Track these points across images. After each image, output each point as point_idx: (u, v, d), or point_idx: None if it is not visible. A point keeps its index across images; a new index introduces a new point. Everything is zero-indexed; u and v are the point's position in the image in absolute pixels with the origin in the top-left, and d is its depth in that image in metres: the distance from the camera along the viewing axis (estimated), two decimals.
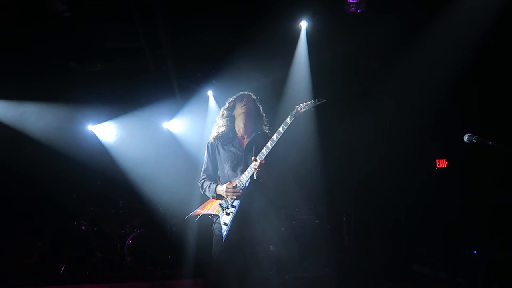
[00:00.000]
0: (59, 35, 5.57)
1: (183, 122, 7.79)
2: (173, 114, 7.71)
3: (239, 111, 3.44)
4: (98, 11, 5.10)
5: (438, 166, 6.20)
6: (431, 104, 5.71)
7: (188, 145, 7.64)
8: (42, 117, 7.16)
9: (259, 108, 3.52)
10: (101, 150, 7.72)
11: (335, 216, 6.49)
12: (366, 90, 6.50)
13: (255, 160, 3.11)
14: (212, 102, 7.28)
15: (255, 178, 3.15)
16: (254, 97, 3.52)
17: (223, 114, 3.51)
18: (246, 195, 3.18)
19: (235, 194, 3.18)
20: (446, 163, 6.17)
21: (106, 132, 7.84)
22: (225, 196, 3.24)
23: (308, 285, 5.18)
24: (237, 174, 3.30)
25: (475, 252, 5.04)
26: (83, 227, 6.45)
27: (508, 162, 4.54)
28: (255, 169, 3.09)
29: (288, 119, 3.09)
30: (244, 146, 3.41)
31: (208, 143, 3.54)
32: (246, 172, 3.20)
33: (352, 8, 4.80)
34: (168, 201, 6.78)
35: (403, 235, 6.12)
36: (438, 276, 5.25)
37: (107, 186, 6.98)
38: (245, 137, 3.46)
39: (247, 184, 3.18)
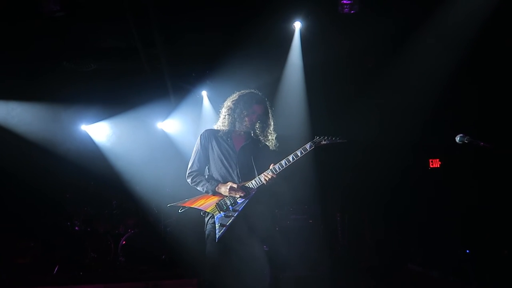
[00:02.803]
0: (52, 34, 5.54)
1: (177, 122, 7.78)
2: (167, 114, 7.70)
3: (252, 116, 3.40)
4: (92, 11, 5.07)
5: (431, 166, 6.25)
6: (425, 104, 5.75)
7: (182, 145, 7.63)
8: (35, 117, 7.13)
9: (268, 118, 3.49)
10: (95, 150, 7.69)
11: (328, 215, 6.51)
12: (359, 90, 6.53)
13: (267, 173, 3.20)
14: (206, 102, 7.28)
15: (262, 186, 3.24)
16: (268, 106, 3.51)
17: (237, 110, 3.40)
18: (251, 201, 3.23)
19: (238, 194, 3.21)
20: (439, 163, 6.22)
21: (100, 132, 7.81)
22: (226, 195, 3.24)
23: (302, 284, 5.19)
24: (229, 173, 3.32)
25: (467, 251, 5.09)
26: (76, 228, 6.42)
27: (500, 162, 4.59)
28: (266, 181, 3.20)
29: (307, 146, 3.21)
30: (239, 148, 3.41)
31: (201, 134, 3.50)
32: (253, 181, 3.25)
33: (346, 9, 4.82)
34: (162, 201, 6.76)
35: (397, 234, 6.16)
36: (431, 275, 5.28)
37: (100, 186, 6.94)
38: (241, 139, 3.46)
39: (253, 192, 3.24)
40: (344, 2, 4.77)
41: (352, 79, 6.55)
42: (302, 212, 6.18)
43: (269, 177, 3.19)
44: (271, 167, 3.23)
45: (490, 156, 4.21)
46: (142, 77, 6.77)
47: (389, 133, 6.13)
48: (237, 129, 3.44)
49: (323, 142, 3.23)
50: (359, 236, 6.58)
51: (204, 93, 7.27)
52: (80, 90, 7.02)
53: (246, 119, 3.40)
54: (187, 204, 3.37)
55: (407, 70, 5.66)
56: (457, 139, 3.10)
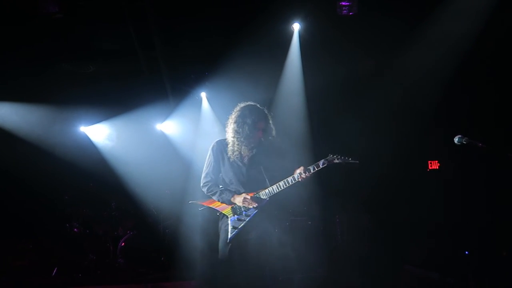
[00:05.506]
0: (51, 36, 5.54)
1: (176, 124, 7.78)
2: (166, 115, 7.70)
3: (258, 133, 3.53)
4: (91, 12, 5.08)
5: (430, 168, 6.25)
6: (423, 105, 5.76)
7: (181, 146, 7.64)
8: (34, 118, 7.12)
9: (269, 124, 3.62)
10: (94, 152, 7.69)
11: (328, 217, 6.51)
12: (358, 91, 6.53)
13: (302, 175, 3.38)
14: (205, 103, 7.28)
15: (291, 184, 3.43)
16: (267, 113, 3.63)
17: (243, 134, 3.51)
18: (262, 208, 3.46)
19: (251, 205, 3.44)
20: (438, 164, 6.22)
21: (99, 133, 7.81)
22: (240, 205, 3.48)
23: (301, 285, 5.19)
24: (239, 186, 3.53)
25: (466, 252, 5.08)
26: (75, 229, 6.42)
27: (498, 163, 4.59)
28: (301, 179, 3.38)
29: (320, 163, 3.40)
30: (247, 160, 3.59)
31: (212, 146, 3.68)
32: (266, 190, 3.46)
33: (344, 11, 4.83)
34: (161, 202, 6.76)
35: (395, 236, 6.16)
36: (429, 276, 5.28)
37: (99, 188, 6.93)
38: (249, 150, 3.59)
39: (267, 198, 3.48)
40: (343, 3, 4.78)
41: (351, 80, 6.55)
42: (301, 214, 6.18)
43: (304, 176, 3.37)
44: (297, 171, 3.41)
45: (489, 157, 4.21)
46: (141, 79, 6.78)
47: (388, 134, 6.13)
48: (246, 146, 3.56)
49: (336, 161, 3.39)
50: (358, 237, 6.57)
51: (203, 94, 7.27)
52: (79, 92, 7.03)
53: (252, 139, 3.54)
54: (206, 204, 3.65)
55: (406, 71, 5.66)
56: (456, 140, 3.11)
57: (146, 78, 6.62)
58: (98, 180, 7.02)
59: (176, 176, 7.00)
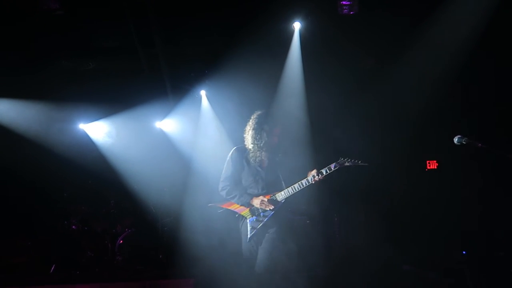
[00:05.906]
0: (52, 33, 5.53)
1: (176, 122, 7.77)
2: (165, 113, 7.69)
3: (274, 138, 3.78)
4: (91, 9, 5.07)
5: (428, 168, 6.26)
6: (422, 105, 5.77)
7: (181, 144, 7.63)
8: (33, 115, 7.11)
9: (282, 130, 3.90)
10: (93, 149, 7.67)
11: (326, 216, 6.51)
12: (358, 91, 6.54)
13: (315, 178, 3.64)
14: (205, 101, 7.28)
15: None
16: (280, 119, 3.92)
17: (262, 141, 3.75)
18: (279, 210, 3.72)
19: (269, 207, 3.68)
20: (437, 164, 6.23)
21: (98, 131, 7.80)
22: (258, 207, 3.72)
23: (298, 285, 5.18)
24: (258, 189, 3.79)
25: (464, 252, 5.10)
26: (73, 226, 6.41)
27: (497, 163, 4.61)
28: (314, 181, 3.64)
29: (332, 166, 3.63)
30: (265, 165, 3.83)
31: (232, 153, 3.90)
32: (282, 192, 3.72)
33: (345, 10, 4.85)
34: (159, 200, 6.76)
35: (394, 235, 6.17)
36: (427, 276, 5.29)
37: (98, 185, 6.93)
38: (266, 157, 3.83)
39: (283, 201, 3.72)
40: (344, 3, 4.80)
41: (351, 79, 6.55)
42: (299, 213, 6.17)
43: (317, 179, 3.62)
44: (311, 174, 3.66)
45: (488, 157, 4.23)
46: (141, 77, 6.77)
47: (387, 134, 6.14)
48: (265, 152, 3.79)
49: (347, 164, 3.60)
50: (356, 237, 6.58)
51: (202, 92, 7.26)
52: (78, 89, 7.00)
53: (269, 144, 3.77)
54: (225, 206, 3.89)
55: (406, 70, 5.67)
56: (455, 140, 3.12)
57: (146, 76, 6.61)
58: (97, 178, 7.01)
59: (175, 174, 7.00)
